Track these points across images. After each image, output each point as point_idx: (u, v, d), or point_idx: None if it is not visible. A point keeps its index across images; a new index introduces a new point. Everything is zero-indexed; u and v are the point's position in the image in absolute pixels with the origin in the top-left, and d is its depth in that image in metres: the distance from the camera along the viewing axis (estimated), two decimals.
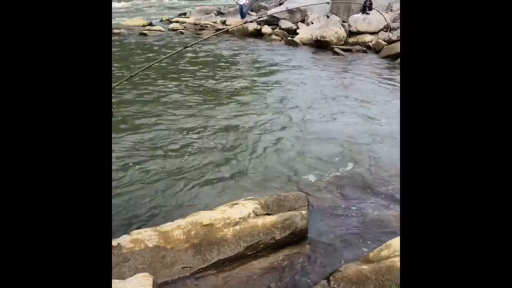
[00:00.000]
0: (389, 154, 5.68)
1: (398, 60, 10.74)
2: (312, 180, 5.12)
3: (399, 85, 6.67)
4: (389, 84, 9.76)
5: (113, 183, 4.72)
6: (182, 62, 11.89)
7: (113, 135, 5.91)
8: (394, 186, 4.74)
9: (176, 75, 10.32)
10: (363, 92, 9.03)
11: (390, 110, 7.67)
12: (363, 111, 7.76)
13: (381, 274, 3.06)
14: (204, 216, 3.80)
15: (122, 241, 3.44)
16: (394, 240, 3.41)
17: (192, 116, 7.24)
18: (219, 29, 16.63)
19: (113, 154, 5.38)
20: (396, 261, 3.10)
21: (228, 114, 7.41)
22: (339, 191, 4.85)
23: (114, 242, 3.42)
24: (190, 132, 6.52)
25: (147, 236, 3.52)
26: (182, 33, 18.31)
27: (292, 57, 13.65)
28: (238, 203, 4.06)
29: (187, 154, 5.72)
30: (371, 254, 3.36)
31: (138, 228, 3.84)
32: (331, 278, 3.19)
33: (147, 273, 2.94)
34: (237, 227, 3.73)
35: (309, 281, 3.30)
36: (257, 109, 7.79)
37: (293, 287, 3.25)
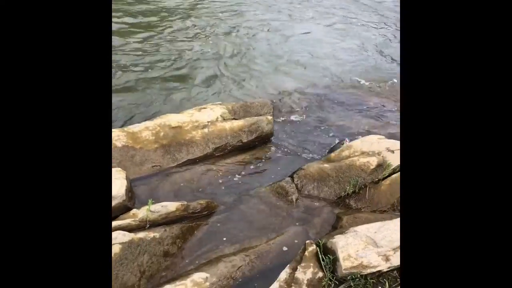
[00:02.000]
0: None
1: None
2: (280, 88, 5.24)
3: None
4: None
5: None
6: None
7: None
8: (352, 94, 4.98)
9: None
10: None
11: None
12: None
13: (341, 172, 3.34)
14: (172, 119, 3.82)
15: None
16: (355, 141, 3.66)
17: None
18: None
19: None
20: (356, 160, 3.37)
21: None
22: (302, 97, 5.02)
23: None
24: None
25: (115, 136, 3.52)
26: None
27: None
28: (205, 108, 4.10)
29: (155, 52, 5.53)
30: (332, 154, 3.61)
31: None
32: (294, 175, 3.44)
33: (120, 168, 3.00)
34: (205, 130, 3.81)
35: (273, 177, 3.53)
36: None
37: (259, 182, 3.47)
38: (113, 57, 5.38)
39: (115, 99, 4.50)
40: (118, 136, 3.53)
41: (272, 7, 8.55)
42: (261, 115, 4.30)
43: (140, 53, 5.66)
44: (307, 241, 2.65)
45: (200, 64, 5.59)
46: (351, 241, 2.47)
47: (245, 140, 3.92)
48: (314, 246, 2.60)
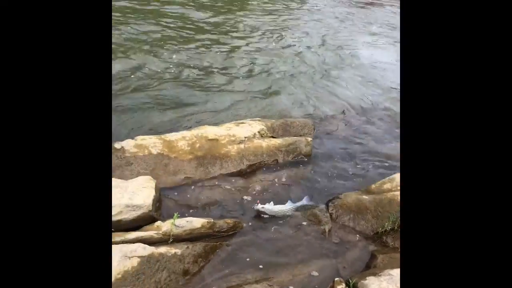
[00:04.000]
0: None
1: None
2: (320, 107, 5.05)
3: None
4: None
5: (123, 86, 4.61)
6: None
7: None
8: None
9: None
10: None
11: None
12: None
13: (381, 206, 3.10)
14: (210, 131, 3.76)
15: (126, 145, 3.42)
16: (397, 174, 3.41)
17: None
18: None
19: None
20: (398, 195, 3.12)
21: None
22: (345, 119, 4.81)
23: (118, 145, 3.41)
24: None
25: (151, 142, 3.49)
26: None
27: None
28: (244, 123, 4.01)
29: (198, 67, 5.54)
30: (373, 186, 3.38)
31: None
32: (330, 203, 3.24)
33: (150, 176, 2.94)
34: (242, 145, 3.71)
35: (306, 203, 3.34)
36: None
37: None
38: (159, 64, 5.46)
39: (157, 105, 4.51)
40: (155, 143, 3.51)
41: (324, 23, 8.43)
42: (301, 135, 4.15)
43: (188, 62, 5.69)
44: (336, 279, 2.44)
45: (245, 77, 5.53)
46: (385, 286, 2.24)
47: (281, 160, 3.78)
48: (343, 285, 2.39)
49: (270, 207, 3.05)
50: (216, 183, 3.44)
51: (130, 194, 2.64)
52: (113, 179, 2.83)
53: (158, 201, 2.91)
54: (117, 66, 5.18)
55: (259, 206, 3.04)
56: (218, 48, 6.33)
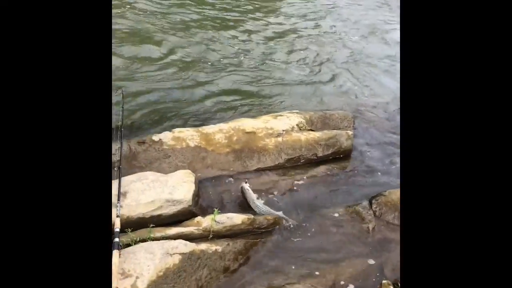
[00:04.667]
0: None
1: None
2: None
3: None
4: None
5: (160, 78, 4.58)
6: None
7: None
8: None
9: None
10: None
11: None
12: None
13: None
14: (247, 124, 3.68)
15: (164, 138, 3.40)
16: None
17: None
18: None
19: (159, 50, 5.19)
20: None
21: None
22: (388, 112, 4.60)
23: (156, 137, 3.39)
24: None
25: (189, 135, 3.45)
26: None
27: None
28: (282, 115, 3.90)
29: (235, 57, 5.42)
30: None
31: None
32: (373, 201, 3.10)
33: (189, 170, 2.90)
34: (279, 139, 3.61)
35: (348, 198, 3.22)
36: None
37: (331, 202, 3.18)
38: (202, 53, 5.37)
39: (192, 96, 4.45)
40: (192, 136, 3.46)
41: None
42: (340, 128, 4.00)
43: (229, 53, 5.57)
44: (384, 281, 2.33)
45: (284, 69, 5.38)
46: None
47: (320, 154, 3.65)
48: None
49: (251, 196, 2.92)
50: (254, 177, 3.37)
51: (170, 189, 2.60)
52: (152, 172, 2.81)
53: (197, 195, 2.86)
54: (156, 52, 5.15)
55: (246, 186, 2.97)
56: (257, 36, 6.17)
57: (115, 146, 3.02)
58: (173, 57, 5.16)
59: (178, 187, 2.63)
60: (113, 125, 3.18)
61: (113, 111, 3.17)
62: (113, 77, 4.44)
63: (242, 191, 2.97)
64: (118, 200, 2.42)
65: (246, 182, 3.02)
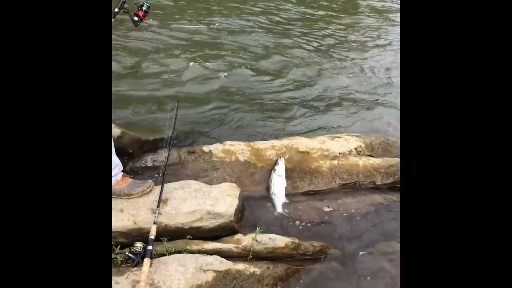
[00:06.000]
0: None
1: None
2: None
3: None
4: None
5: (214, 94, 4.57)
6: None
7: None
8: None
9: None
10: None
11: None
12: None
13: None
14: (301, 142, 3.48)
15: (214, 149, 3.30)
16: None
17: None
18: None
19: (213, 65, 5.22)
20: None
21: None
22: None
23: (206, 148, 3.30)
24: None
25: (239, 149, 3.33)
26: None
27: None
28: (340, 137, 3.66)
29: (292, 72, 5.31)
30: None
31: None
32: None
33: (235, 184, 2.74)
34: (335, 162, 3.36)
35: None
36: None
37: (386, 235, 2.85)
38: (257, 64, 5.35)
39: (245, 107, 4.37)
40: (243, 150, 3.34)
41: None
42: None
43: (282, 68, 5.50)
44: None
45: (345, 90, 5.16)
46: None
47: (378, 183, 3.34)
48: None
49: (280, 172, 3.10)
50: (303, 199, 3.14)
51: (212, 200, 2.46)
52: (196, 182, 2.70)
53: (240, 211, 2.70)
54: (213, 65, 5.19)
55: (282, 161, 3.16)
56: (319, 56, 6.05)
57: (164, 153, 2.97)
58: (236, 71, 5.16)
59: (221, 200, 2.48)
60: (165, 133, 3.16)
61: (167, 118, 3.15)
62: (172, 84, 4.56)
63: (276, 163, 3.14)
64: (158, 206, 2.32)
65: (281, 157, 3.18)
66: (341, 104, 4.77)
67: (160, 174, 2.56)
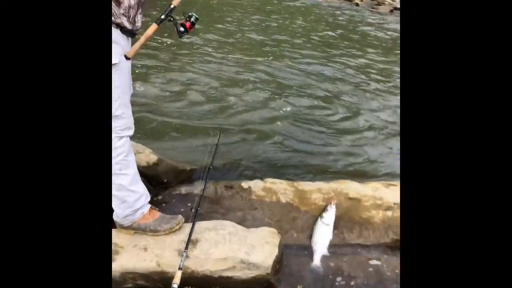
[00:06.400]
0: None
1: None
2: None
3: None
4: None
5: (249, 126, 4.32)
6: None
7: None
8: None
9: None
10: None
11: None
12: None
13: None
14: (351, 188, 3.10)
15: (254, 186, 3.00)
16: None
17: None
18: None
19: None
20: None
21: None
22: None
23: (245, 184, 3.02)
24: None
25: (281, 188, 3.01)
26: (357, 4, 17.01)
27: None
28: (395, 185, 3.24)
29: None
30: None
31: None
32: None
33: (275, 230, 2.40)
34: (389, 213, 2.95)
35: None
36: None
37: None
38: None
39: (292, 145, 4.06)
40: (285, 190, 3.02)
41: None
42: None
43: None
44: None
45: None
46: None
47: None
48: None
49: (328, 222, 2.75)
50: (350, 253, 2.73)
51: (248, 247, 2.13)
52: (232, 223, 2.38)
53: (278, 263, 2.34)
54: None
55: (333, 208, 2.80)
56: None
57: (200, 187, 2.71)
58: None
59: (258, 248, 2.14)
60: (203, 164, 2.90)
61: (207, 149, 2.90)
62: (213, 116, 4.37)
63: (325, 210, 2.79)
64: (186, 248, 2.02)
65: (332, 203, 2.82)
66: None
67: (192, 210, 2.28)
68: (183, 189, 2.95)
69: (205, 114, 4.42)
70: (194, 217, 2.19)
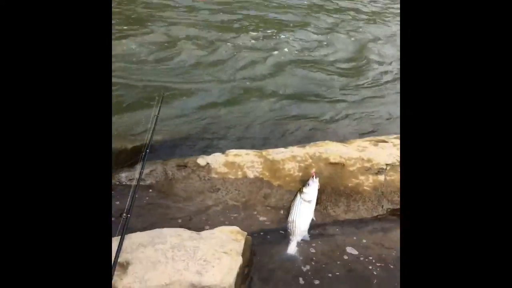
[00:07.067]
0: None
1: None
2: None
3: None
4: None
5: (217, 94, 3.62)
6: None
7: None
8: None
9: None
10: None
11: None
12: None
13: None
14: (333, 150, 2.57)
15: (214, 162, 2.43)
16: None
17: None
18: None
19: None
20: None
21: None
22: None
23: (202, 161, 2.44)
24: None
25: (248, 161, 2.45)
26: None
27: None
28: (386, 141, 2.71)
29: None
30: None
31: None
32: None
33: (238, 228, 1.83)
34: (381, 177, 2.44)
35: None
36: None
37: None
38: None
39: (253, 104, 3.43)
40: (252, 163, 2.46)
41: None
42: None
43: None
44: None
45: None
46: None
47: None
48: None
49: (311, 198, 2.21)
50: (339, 233, 2.22)
51: (199, 264, 1.54)
52: (176, 230, 1.77)
53: (247, 265, 1.80)
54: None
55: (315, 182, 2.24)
56: None
57: (136, 174, 2.07)
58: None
59: (214, 263, 1.56)
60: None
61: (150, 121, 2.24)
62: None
63: (306, 184, 2.25)
64: (111, 275, 1.44)
65: (314, 176, 2.26)
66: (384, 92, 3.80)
67: (123, 215, 1.66)
68: (123, 177, 2.33)
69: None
70: (123, 229, 1.57)
